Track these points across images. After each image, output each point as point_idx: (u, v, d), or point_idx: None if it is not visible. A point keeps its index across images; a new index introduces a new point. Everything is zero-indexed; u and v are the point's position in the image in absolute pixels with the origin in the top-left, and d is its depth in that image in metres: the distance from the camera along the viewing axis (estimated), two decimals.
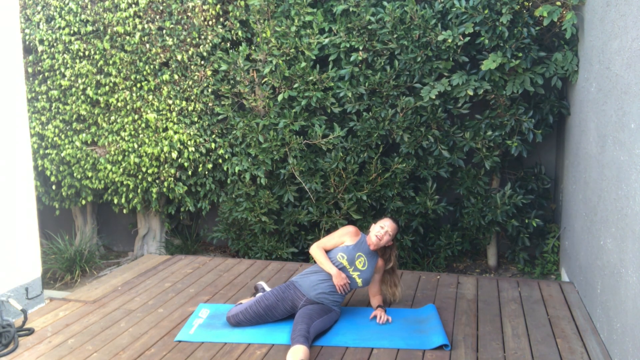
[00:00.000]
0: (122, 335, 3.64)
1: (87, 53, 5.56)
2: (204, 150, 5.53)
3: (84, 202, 5.98)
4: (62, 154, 5.73)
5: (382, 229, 3.73)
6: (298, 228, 5.50)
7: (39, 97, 5.76)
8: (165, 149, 5.47)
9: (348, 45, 5.02)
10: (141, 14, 5.45)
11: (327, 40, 5.07)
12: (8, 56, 3.95)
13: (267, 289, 4.12)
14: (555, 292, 4.28)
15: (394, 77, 5.02)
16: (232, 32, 5.45)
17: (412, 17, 4.89)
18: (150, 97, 5.50)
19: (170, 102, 5.49)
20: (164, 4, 5.42)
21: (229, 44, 5.50)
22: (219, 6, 5.40)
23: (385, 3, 4.98)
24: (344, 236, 3.79)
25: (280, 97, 5.15)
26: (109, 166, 5.65)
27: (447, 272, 5.22)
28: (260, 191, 5.34)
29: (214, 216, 6.05)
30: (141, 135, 5.57)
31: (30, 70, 5.77)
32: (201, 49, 5.40)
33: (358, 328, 3.65)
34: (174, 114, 5.49)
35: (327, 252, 3.79)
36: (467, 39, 4.82)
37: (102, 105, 5.64)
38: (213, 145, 5.53)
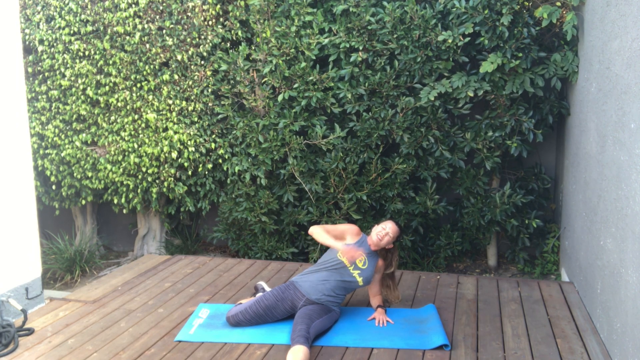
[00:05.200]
0: (122, 335, 3.64)
1: (87, 53, 5.56)
2: (204, 150, 5.53)
3: (84, 202, 5.98)
4: (62, 154, 5.73)
5: (383, 230, 3.73)
6: (298, 228, 5.50)
7: (39, 97, 5.76)
8: (165, 149, 5.48)
9: (348, 46, 5.02)
10: (141, 14, 5.45)
11: (327, 41, 5.07)
12: (8, 56, 3.95)
13: (267, 289, 4.12)
14: (555, 292, 4.28)
15: (394, 77, 5.02)
16: (232, 32, 5.45)
17: (412, 17, 4.89)
18: (150, 97, 5.50)
19: (170, 102, 5.49)
20: (164, 4, 5.42)
21: (229, 44, 5.50)
22: (219, 6, 5.40)
23: (385, 3, 4.98)
24: (346, 232, 3.79)
25: (280, 97, 5.15)
26: (109, 166, 5.65)
27: (447, 272, 5.21)
28: (260, 191, 5.34)
29: (214, 216, 6.05)
30: (141, 135, 5.57)
31: (30, 70, 5.77)
32: (201, 49, 5.40)
33: (358, 328, 3.65)
34: (174, 114, 5.49)
35: (327, 248, 3.79)
36: (467, 39, 4.83)
37: (102, 105, 5.64)
38: (213, 145, 5.53)
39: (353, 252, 3.60)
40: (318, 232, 3.72)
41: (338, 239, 3.78)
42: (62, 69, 5.62)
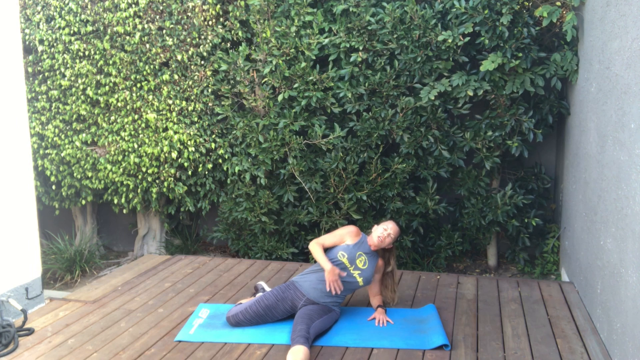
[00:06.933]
0: (122, 335, 3.65)
1: (87, 53, 5.56)
2: (204, 150, 5.53)
3: (84, 202, 5.98)
4: (62, 154, 5.73)
5: (384, 231, 3.73)
6: (298, 228, 5.49)
7: (39, 97, 5.76)
8: (165, 149, 5.47)
9: (348, 46, 5.02)
10: (141, 14, 5.45)
11: (327, 40, 5.07)
12: (8, 56, 3.95)
13: (267, 289, 4.12)
14: (555, 292, 4.28)
15: (394, 77, 5.02)
16: (232, 32, 5.45)
17: (412, 17, 4.89)
18: (150, 97, 5.50)
19: (170, 102, 5.49)
20: (164, 4, 5.42)
21: (229, 44, 5.50)
22: (219, 6, 5.40)
23: (385, 3, 4.98)
24: (345, 235, 3.79)
25: (280, 97, 5.15)
26: (109, 166, 5.65)
27: (447, 272, 5.22)
28: (260, 191, 5.34)
29: (214, 216, 6.05)
30: (141, 135, 5.56)
31: (30, 70, 5.77)
32: (201, 49, 5.40)
33: (358, 328, 3.65)
34: (174, 114, 5.49)
35: (328, 250, 3.79)
36: (467, 39, 4.83)
37: (102, 105, 5.64)
38: (213, 145, 5.53)
39: (331, 277, 3.58)
40: (312, 249, 3.73)
41: (338, 243, 3.78)
42: (62, 69, 5.61)
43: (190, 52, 5.41)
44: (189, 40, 5.41)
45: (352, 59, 5.03)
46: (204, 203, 5.74)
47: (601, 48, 3.79)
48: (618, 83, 3.31)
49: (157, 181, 5.66)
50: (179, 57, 5.40)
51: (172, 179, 5.61)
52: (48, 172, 5.84)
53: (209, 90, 5.48)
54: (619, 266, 3.16)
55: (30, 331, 3.70)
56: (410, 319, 3.79)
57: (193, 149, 5.48)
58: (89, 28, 5.53)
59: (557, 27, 4.85)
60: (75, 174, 5.77)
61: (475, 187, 5.14)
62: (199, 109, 5.50)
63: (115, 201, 5.82)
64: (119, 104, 5.55)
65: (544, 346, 3.41)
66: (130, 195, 5.75)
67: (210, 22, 5.41)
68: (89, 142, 5.75)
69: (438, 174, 5.15)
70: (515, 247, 5.38)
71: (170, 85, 5.49)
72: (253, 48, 5.37)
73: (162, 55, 5.46)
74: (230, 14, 5.41)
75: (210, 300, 4.23)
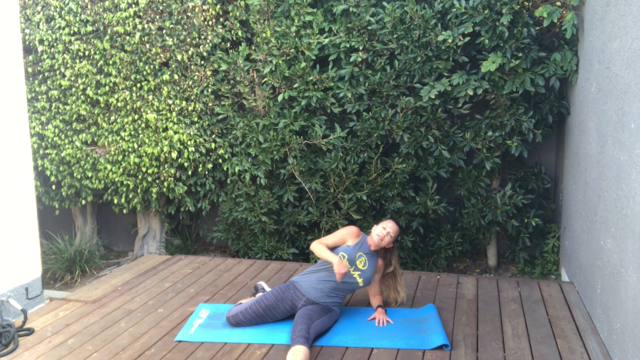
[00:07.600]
0: (122, 335, 3.65)
1: (87, 53, 5.56)
2: (204, 150, 5.53)
3: (84, 202, 5.98)
4: (62, 154, 5.73)
5: (384, 230, 3.73)
6: (298, 228, 5.49)
7: (39, 97, 5.76)
8: (165, 149, 5.47)
9: (348, 46, 5.02)
10: (141, 14, 5.45)
11: (327, 40, 5.07)
12: (8, 56, 3.95)
13: (267, 289, 4.12)
14: (555, 292, 4.28)
15: (394, 77, 5.02)
16: (232, 32, 5.45)
17: (412, 17, 4.89)
18: (150, 97, 5.50)
19: (170, 102, 5.49)
20: (164, 4, 5.42)
21: (229, 44, 5.50)
22: (219, 6, 5.40)
23: (385, 3, 4.98)
24: (346, 236, 3.79)
25: (280, 97, 5.15)
26: (109, 166, 5.65)
27: (447, 272, 5.21)
28: (260, 191, 5.34)
29: (214, 216, 6.05)
30: (141, 135, 5.56)
31: (30, 70, 5.77)
32: (201, 49, 5.40)
33: (358, 328, 3.65)
34: (174, 114, 5.49)
35: (329, 250, 3.79)
36: (467, 39, 4.83)
37: (102, 105, 5.64)
38: (213, 145, 5.54)
39: (340, 269, 3.56)
40: (315, 248, 3.73)
41: (340, 244, 3.78)
42: (62, 69, 5.61)
43: (190, 52, 5.41)
44: (189, 40, 5.41)
45: (352, 59, 5.03)
46: (204, 203, 5.74)
47: (601, 48, 3.79)
48: (618, 83, 3.31)
49: (157, 181, 5.66)
50: (179, 57, 5.40)
51: (172, 179, 5.61)
52: (48, 172, 5.84)
53: (209, 90, 5.48)
54: (619, 266, 3.16)
55: (30, 331, 3.70)
56: (410, 319, 3.79)
57: (193, 149, 5.48)
58: (89, 28, 5.53)
59: (557, 27, 4.85)
60: (75, 174, 5.77)
61: (475, 187, 5.14)
62: (199, 109, 5.50)
63: (115, 201, 5.82)
64: (119, 104, 5.55)
65: (544, 346, 3.41)
66: (130, 195, 5.75)
67: (210, 22, 5.41)
68: (89, 142, 5.75)
69: (438, 174, 5.15)
70: (515, 247, 5.38)
71: (170, 85, 5.49)
72: (253, 48, 5.37)
73: (162, 55, 5.46)
74: (230, 14, 5.41)
75: (210, 300, 4.23)
